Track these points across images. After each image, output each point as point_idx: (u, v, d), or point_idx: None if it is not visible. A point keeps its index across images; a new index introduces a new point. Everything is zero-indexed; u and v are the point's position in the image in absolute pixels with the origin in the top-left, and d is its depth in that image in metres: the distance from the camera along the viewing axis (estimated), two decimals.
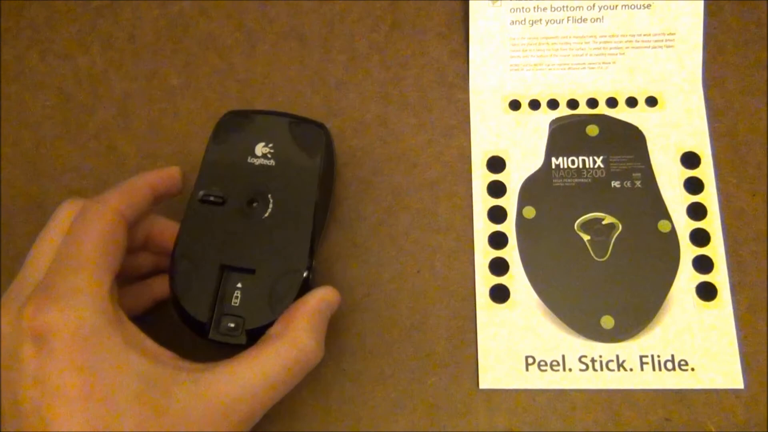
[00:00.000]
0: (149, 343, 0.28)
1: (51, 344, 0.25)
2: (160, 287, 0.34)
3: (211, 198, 0.31)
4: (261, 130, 0.33)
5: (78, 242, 0.28)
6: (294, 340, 0.28)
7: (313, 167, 0.32)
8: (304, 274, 0.30)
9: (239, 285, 0.30)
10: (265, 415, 0.33)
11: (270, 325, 0.29)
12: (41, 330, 0.25)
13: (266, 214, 0.31)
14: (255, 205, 0.31)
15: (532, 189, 0.37)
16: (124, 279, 0.33)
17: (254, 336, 0.29)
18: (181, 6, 0.43)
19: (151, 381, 0.26)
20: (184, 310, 0.30)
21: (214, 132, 0.33)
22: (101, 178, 0.39)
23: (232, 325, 0.30)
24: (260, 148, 0.32)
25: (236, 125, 0.33)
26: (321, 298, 0.30)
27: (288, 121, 0.33)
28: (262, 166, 0.32)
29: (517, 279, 0.36)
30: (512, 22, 0.39)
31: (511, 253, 0.36)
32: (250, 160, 0.32)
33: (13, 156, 0.39)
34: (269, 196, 0.31)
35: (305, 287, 0.30)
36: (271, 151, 0.32)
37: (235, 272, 0.30)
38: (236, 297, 0.30)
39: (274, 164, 0.32)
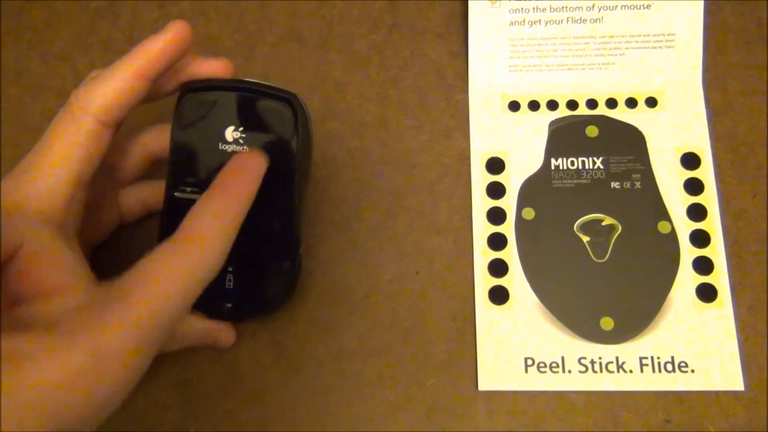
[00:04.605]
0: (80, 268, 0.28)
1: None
2: (153, 193, 0.35)
3: (188, 189, 0.31)
4: (228, 110, 0.31)
5: (48, 145, 0.28)
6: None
7: (288, 150, 0.31)
8: (294, 264, 0.32)
9: (230, 269, 0.32)
10: (265, 416, 0.34)
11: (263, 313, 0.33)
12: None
13: None
14: None
15: (531, 190, 0.37)
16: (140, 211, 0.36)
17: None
18: (181, 7, 0.43)
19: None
20: None
21: (177, 114, 0.31)
22: None
23: (230, 305, 0.32)
24: (230, 133, 0.31)
25: (200, 105, 0.31)
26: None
27: (255, 99, 0.31)
28: (235, 153, 0.31)
29: (516, 280, 0.35)
30: (511, 23, 0.39)
31: (510, 254, 0.36)
32: (221, 147, 0.31)
33: (14, 158, 0.39)
34: None
35: (296, 275, 0.32)
36: (243, 136, 0.31)
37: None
38: (229, 281, 0.32)
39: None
